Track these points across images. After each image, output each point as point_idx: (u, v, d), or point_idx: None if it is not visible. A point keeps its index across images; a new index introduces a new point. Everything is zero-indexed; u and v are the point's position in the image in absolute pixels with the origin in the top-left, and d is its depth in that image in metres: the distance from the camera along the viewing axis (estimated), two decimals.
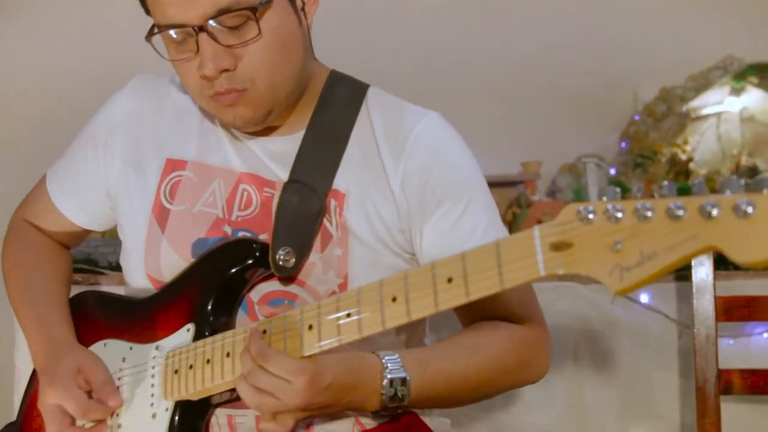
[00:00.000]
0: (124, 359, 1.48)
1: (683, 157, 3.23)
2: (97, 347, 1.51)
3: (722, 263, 2.22)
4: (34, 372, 1.58)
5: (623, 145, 3.25)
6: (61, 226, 1.66)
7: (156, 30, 1.37)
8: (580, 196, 3.12)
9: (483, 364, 1.41)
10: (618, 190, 1.02)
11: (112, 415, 1.45)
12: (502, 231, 1.49)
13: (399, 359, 1.32)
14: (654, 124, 3.32)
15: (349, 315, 1.22)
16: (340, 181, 1.45)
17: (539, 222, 2.82)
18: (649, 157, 3.22)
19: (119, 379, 1.47)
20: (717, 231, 0.93)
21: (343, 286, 1.42)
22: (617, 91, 3.49)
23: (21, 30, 2.94)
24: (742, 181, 0.93)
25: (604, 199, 1.02)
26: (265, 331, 1.30)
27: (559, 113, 3.45)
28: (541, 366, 1.50)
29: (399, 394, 1.31)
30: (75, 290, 1.67)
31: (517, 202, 2.99)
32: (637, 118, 3.35)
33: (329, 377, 1.25)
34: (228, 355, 1.33)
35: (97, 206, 1.61)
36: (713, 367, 2.13)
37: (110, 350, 1.50)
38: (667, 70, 3.41)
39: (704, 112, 3.34)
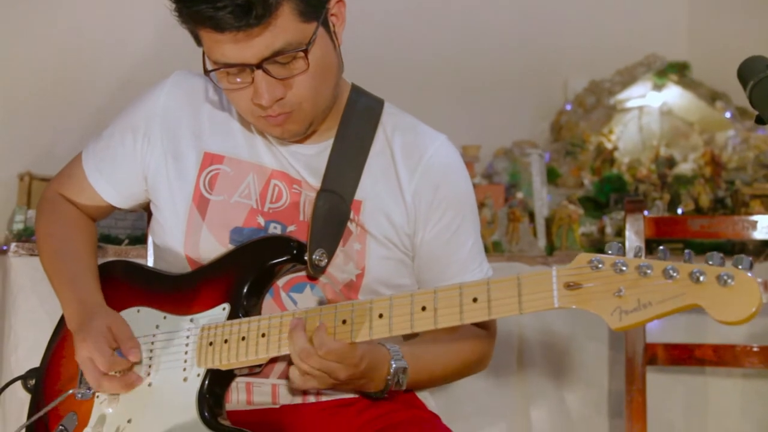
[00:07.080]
0: (157, 326, 1.65)
1: (609, 146, 3.52)
2: (129, 312, 1.68)
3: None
4: (59, 324, 1.76)
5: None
6: (93, 201, 1.82)
7: (215, 67, 1.55)
8: (515, 179, 3.37)
9: (455, 363, 1.73)
10: (620, 245, 1.28)
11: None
12: (481, 247, 1.77)
13: (400, 351, 1.58)
14: (583, 114, 3.59)
15: (381, 316, 1.46)
16: (359, 190, 1.68)
17: (482, 205, 3.07)
18: (579, 146, 3.50)
19: (152, 343, 1.65)
20: (702, 293, 1.21)
21: (360, 276, 1.66)
22: (549, 82, 3.75)
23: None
24: (721, 255, 1.21)
25: (610, 252, 1.28)
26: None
27: (495, 100, 3.68)
28: (489, 359, 1.82)
29: (400, 381, 1.58)
30: None
31: None
32: (568, 107, 3.61)
33: (365, 362, 1.51)
34: (263, 335, 1.54)
35: (131, 188, 1.78)
36: (641, 341, 2.43)
37: (144, 317, 1.67)
38: (595, 64, 3.68)
39: (628, 105, 3.64)
